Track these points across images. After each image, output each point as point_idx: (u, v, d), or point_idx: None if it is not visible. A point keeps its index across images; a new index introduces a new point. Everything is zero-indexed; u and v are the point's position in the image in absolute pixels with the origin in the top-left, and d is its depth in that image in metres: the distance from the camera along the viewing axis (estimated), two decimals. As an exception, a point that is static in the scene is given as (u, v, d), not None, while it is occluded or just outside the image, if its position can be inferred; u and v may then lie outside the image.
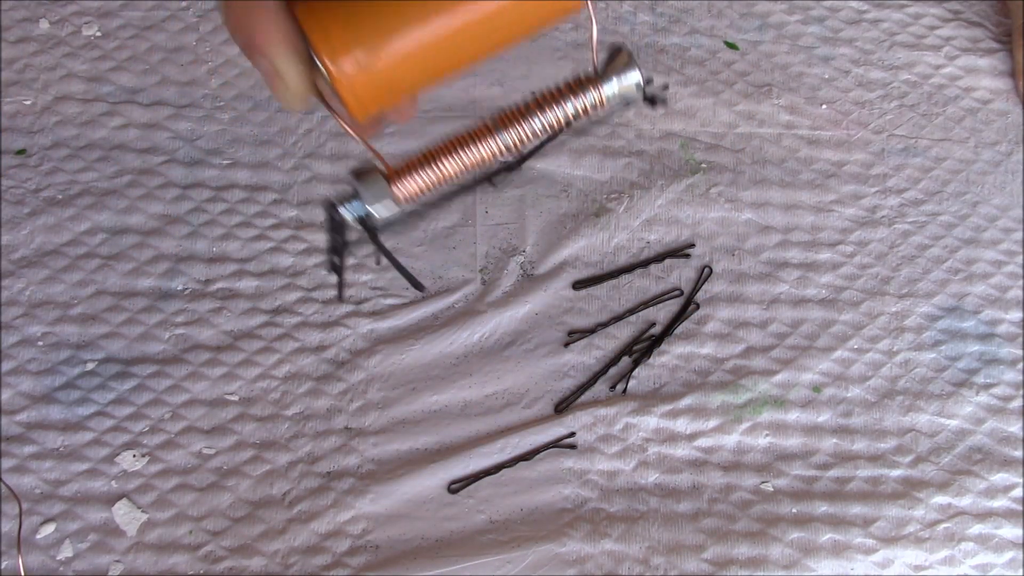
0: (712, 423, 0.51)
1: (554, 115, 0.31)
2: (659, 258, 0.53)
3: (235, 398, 0.51)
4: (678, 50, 0.60)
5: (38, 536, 0.48)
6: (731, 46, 0.60)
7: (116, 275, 0.53)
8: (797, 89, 0.59)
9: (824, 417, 0.51)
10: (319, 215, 0.55)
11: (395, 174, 0.32)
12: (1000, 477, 0.50)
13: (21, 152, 0.56)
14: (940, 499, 0.49)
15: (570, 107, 0.31)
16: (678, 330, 0.53)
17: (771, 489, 0.49)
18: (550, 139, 0.37)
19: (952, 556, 0.48)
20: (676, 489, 0.49)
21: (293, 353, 0.52)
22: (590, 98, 0.31)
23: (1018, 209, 0.57)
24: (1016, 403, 0.52)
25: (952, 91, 0.60)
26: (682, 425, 0.51)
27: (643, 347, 0.52)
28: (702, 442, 0.50)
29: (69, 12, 0.59)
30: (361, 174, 0.32)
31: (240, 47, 0.27)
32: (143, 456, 0.50)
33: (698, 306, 0.53)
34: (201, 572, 0.47)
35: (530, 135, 0.32)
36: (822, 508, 0.49)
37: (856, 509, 0.49)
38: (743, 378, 0.52)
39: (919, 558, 0.48)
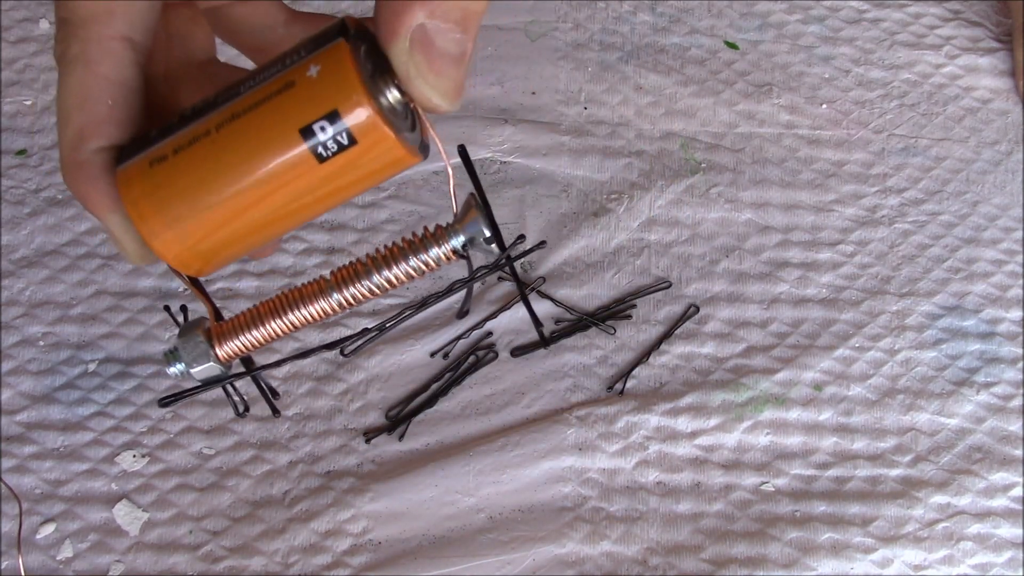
0: (713, 421, 0.51)
1: (398, 271, 0.29)
2: (630, 298, 0.53)
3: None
4: (678, 50, 0.60)
5: (38, 536, 0.48)
6: (731, 46, 0.60)
7: (116, 275, 0.53)
8: (797, 89, 0.59)
9: (825, 415, 0.51)
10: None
11: (219, 333, 0.30)
12: (1000, 476, 0.50)
13: (21, 152, 0.56)
14: (939, 498, 0.49)
15: (413, 262, 0.29)
16: (678, 330, 0.53)
17: (771, 489, 0.49)
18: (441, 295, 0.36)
19: (951, 555, 0.48)
20: (676, 488, 0.49)
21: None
22: (435, 253, 0.29)
23: (1018, 208, 0.57)
24: (1016, 402, 0.52)
25: (952, 90, 0.60)
26: (683, 423, 0.50)
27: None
28: (703, 440, 0.50)
29: (69, 13, 0.59)
30: (186, 331, 0.30)
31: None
32: (143, 456, 0.50)
33: (698, 309, 0.53)
34: (201, 572, 0.47)
35: (367, 292, 0.30)
36: (821, 508, 0.49)
37: (855, 508, 0.49)
38: (744, 377, 0.52)
39: (918, 557, 0.48)
